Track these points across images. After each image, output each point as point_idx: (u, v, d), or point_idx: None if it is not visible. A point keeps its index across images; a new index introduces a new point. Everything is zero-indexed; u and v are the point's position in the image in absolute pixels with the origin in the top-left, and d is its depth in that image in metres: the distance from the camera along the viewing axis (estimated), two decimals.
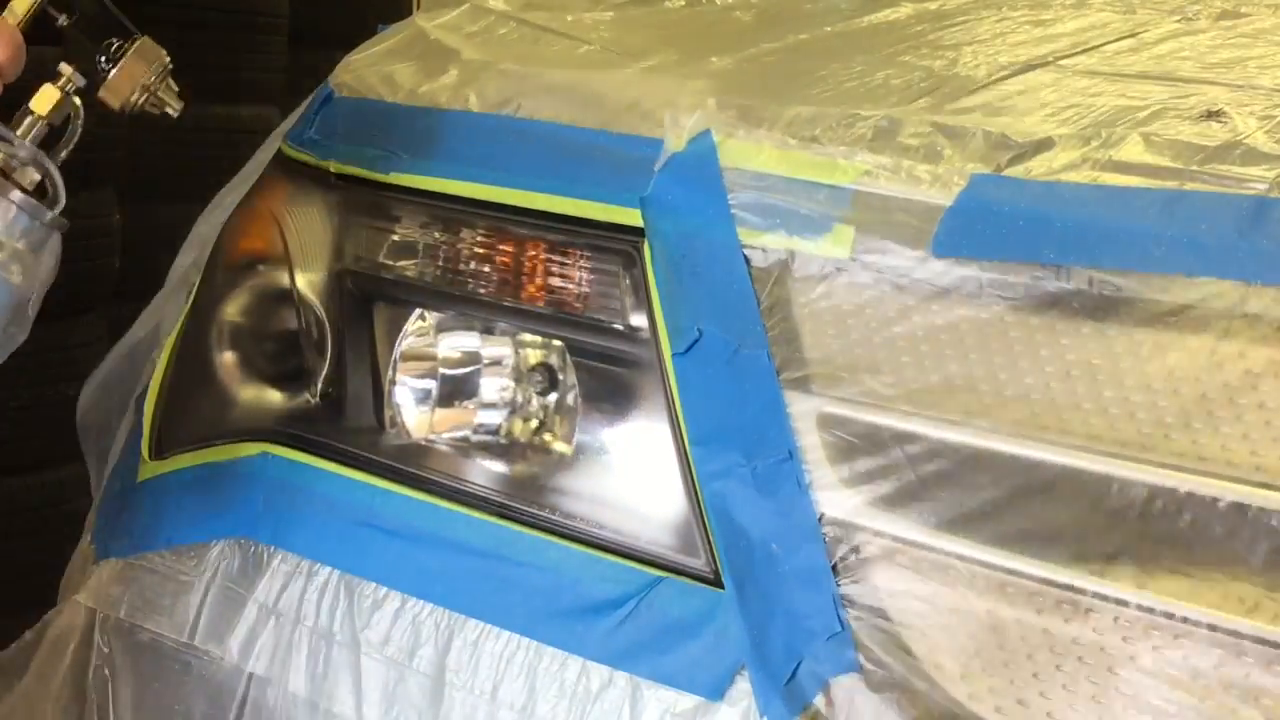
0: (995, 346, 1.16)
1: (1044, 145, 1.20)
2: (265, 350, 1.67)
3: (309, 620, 1.45)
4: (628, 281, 1.36)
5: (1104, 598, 1.11)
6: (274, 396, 1.63)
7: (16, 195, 1.23)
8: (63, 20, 1.31)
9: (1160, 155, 1.16)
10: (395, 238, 1.54)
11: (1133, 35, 1.55)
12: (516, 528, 1.39)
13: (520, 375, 1.48)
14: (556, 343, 1.46)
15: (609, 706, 1.28)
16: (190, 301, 1.65)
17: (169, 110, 1.35)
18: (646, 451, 1.37)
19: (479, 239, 1.47)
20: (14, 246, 1.22)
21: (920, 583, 1.18)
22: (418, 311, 1.54)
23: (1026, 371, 1.15)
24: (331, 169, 1.57)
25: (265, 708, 1.46)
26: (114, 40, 1.32)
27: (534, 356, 1.48)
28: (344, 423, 1.56)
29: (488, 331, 1.50)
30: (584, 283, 1.40)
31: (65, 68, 1.29)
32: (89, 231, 2.71)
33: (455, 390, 1.51)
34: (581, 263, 1.40)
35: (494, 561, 1.38)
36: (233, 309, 1.66)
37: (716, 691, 1.23)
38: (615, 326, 1.38)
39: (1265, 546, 1.06)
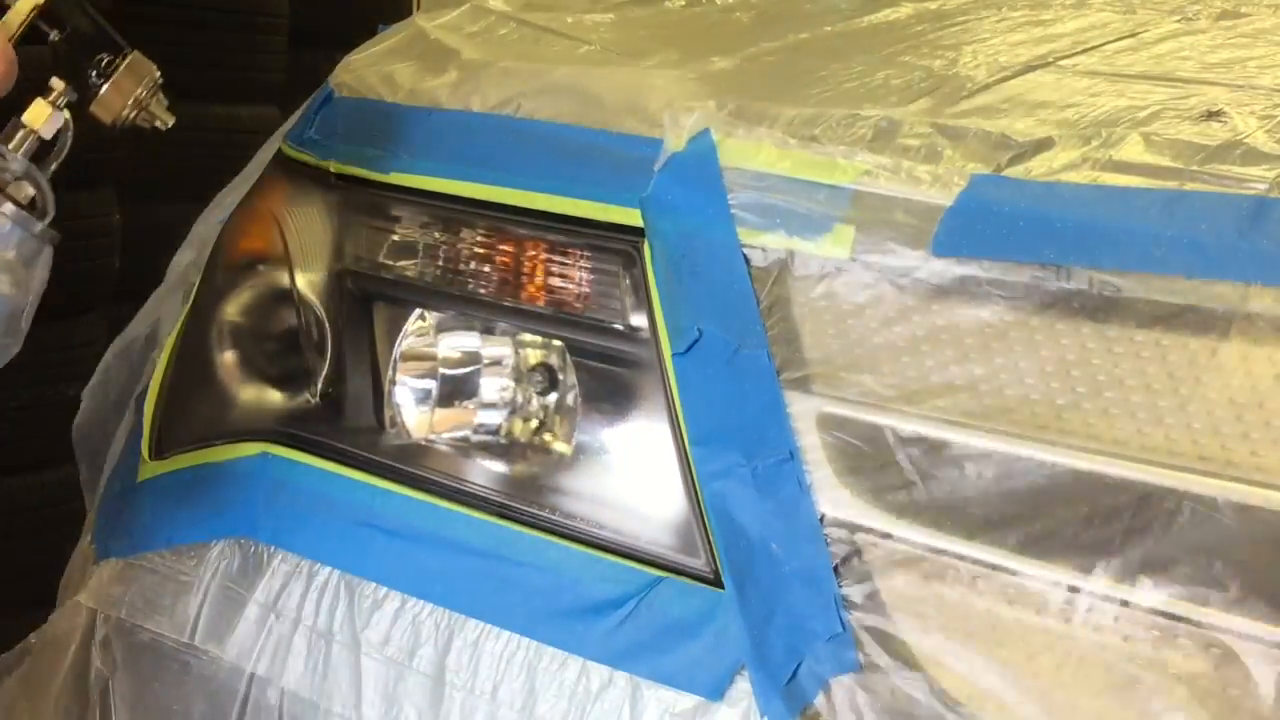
0: (995, 346, 1.16)
1: (1044, 145, 1.20)
2: (265, 350, 1.67)
3: (309, 620, 1.45)
4: (628, 281, 1.36)
5: (1104, 598, 1.11)
6: (274, 396, 1.63)
7: (9, 209, 1.25)
8: (54, 36, 1.32)
9: (1160, 155, 1.16)
10: (395, 238, 1.54)
11: (1133, 35, 1.55)
12: (516, 528, 1.39)
13: (520, 375, 1.48)
14: (556, 343, 1.46)
15: (609, 706, 1.28)
16: (190, 301, 1.65)
17: (159, 124, 1.38)
18: (646, 451, 1.37)
19: (479, 239, 1.47)
20: (6, 259, 1.24)
21: (920, 583, 1.18)
22: (418, 311, 1.54)
23: (1026, 371, 1.15)
24: (331, 169, 1.57)
25: (265, 708, 1.46)
26: (105, 55, 1.34)
27: (534, 356, 1.48)
28: (344, 423, 1.56)
29: (488, 331, 1.50)
30: (584, 283, 1.40)
31: (57, 82, 1.31)
32: (89, 231, 2.71)
33: (455, 390, 1.51)
34: (581, 263, 1.40)
35: (494, 561, 1.38)
36: (233, 309, 1.66)
37: (716, 691, 1.23)
38: (615, 326, 1.38)
39: (1265, 546, 1.06)
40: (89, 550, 1.66)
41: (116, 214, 2.79)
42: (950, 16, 1.68)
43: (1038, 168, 1.18)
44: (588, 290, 1.40)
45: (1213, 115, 1.22)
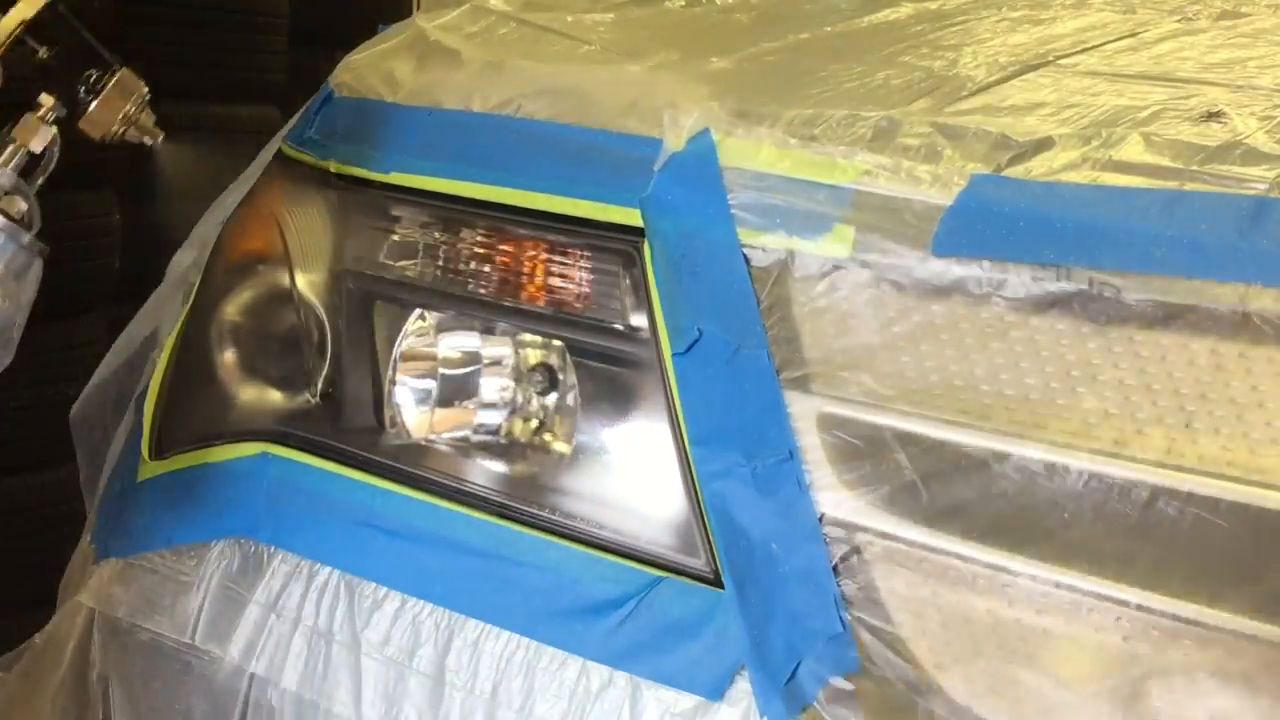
0: (995, 346, 1.16)
1: (1044, 145, 1.20)
2: (265, 350, 1.67)
3: (309, 620, 1.45)
4: (628, 281, 1.36)
5: (1105, 598, 1.11)
6: (274, 396, 1.63)
7: (1, 222, 1.25)
8: (43, 52, 1.33)
9: (1160, 155, 1.16)
10: (395, 238, 1.54)
11: (1132, 35, 1.55)
12: (516, 528, 1.39)
13: (520, 375, 1.48)
14: (556, 343, 1.46)
15: (609, 706, 1.28)
16: (190, 301, 1.65)
17: (148, 140, 1.39)
18: (646, 451, 1.37)
19: (479, 239, 1.47)
20: None
21: (920, 583, 1.18)
22: (418, 311, 1.54)
23: (1026, 371, 1.15)
24: (331, 169, 1.57)
25: (266, 708, 1.46)
26: (94, 72, 1.34)
27: (534, 356, 1.48)
28: (344, 423, 1.56)
29: (488, 331, 1.50)
30: (584, 283, 1.40)
31: (46, 98, 1.32)
32: (89, 231, 2.71)
33: (455, 390, 1.50)
34: (581, 263, 1.40)
35: (494, 561, 1.38)
36: (233, 309, 1.66)
37: (716, 691, 1.23)
38: (615, 326, 1.38)
39: (1265, 547, 1.06)
40: (89, 550, 1.66)
41: (116, 214, 2.79)
42: (950, 16, 1.68)
43: (1038, 168, 1.18)
44: (588, 290, 1.40)
45: (1212, 116, 1.22)
